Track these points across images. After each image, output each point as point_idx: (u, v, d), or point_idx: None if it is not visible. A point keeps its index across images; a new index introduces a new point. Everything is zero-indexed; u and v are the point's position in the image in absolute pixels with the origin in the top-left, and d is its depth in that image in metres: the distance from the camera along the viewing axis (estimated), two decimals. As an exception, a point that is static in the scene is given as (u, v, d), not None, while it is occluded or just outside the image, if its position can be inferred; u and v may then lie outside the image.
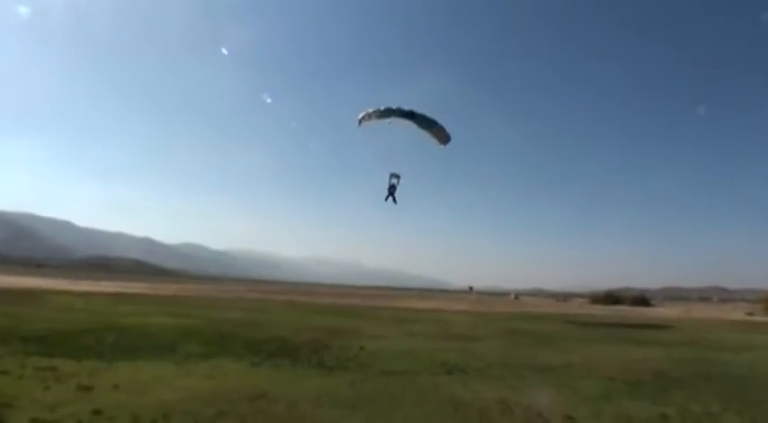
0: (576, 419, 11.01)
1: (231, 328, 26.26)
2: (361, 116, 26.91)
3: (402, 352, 20.19)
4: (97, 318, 27.17)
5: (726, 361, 21.83)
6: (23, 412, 9.46)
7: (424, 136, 26.94)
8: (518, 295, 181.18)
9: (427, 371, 16.03)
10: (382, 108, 26.26)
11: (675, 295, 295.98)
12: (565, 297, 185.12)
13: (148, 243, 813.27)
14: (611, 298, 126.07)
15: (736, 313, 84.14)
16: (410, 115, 26.01)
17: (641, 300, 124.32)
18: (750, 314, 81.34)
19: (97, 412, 9.65)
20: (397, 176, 25.90)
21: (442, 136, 27.56)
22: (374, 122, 26.60)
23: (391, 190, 25.89)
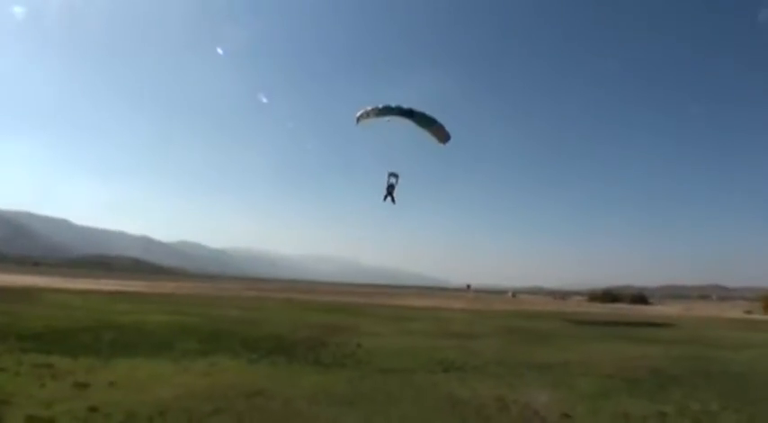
0: (574, 417, 10.98)
1: (228, 325, 26.22)
2: (359, 114, 26.82)
3: (400, 350, 20.17)
4: (94, 315, 27.12)
5: (725, 359, 21.82)
6: (19, 409, 9.42)
7: (424, 134, 26.88)
8: (516, 293, 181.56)
9: (425, 369, 16.00)
10: (381, 106, 26.17)
11: (675, 293, 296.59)
12: (563, 295, 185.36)
13: (146, 241, 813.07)
14: (610, 296, 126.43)
15: (735, 311, 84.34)
16: (409, 114, 25.93)
17: (640, 298, 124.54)
18: (749, 312, 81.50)
19: (93, 409, 9.61)
20: (396, 176, 25.85)
21: (442, 134, 27.48)
22: (373, 121, 26.52)
23: (390, 189, 25.83)
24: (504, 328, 33.14)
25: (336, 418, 10.18)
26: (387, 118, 25.92)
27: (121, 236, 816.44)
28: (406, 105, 26.36)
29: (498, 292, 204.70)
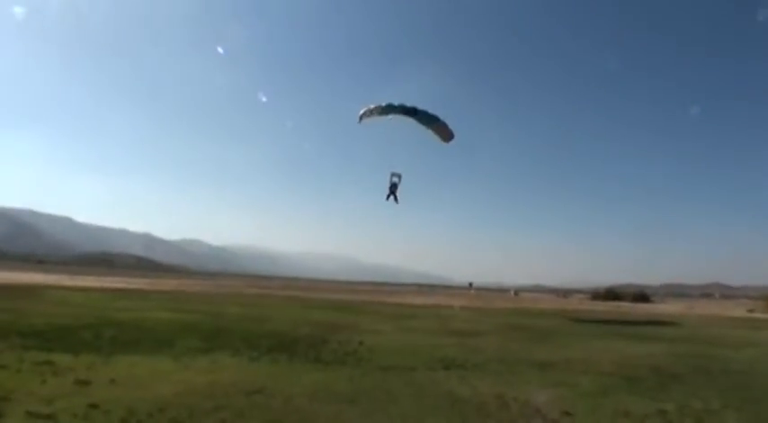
0: (574, 415, 10.97)
1: (229, 323, 26.25)
2: (362, 112, 26.74)
3: (400, 347, 20.17)
4: (95, 313, 27.18)
5: (726, 357, 21.75)
6: (20, 405, 9.44)
7: (427, 133, 26.77)
8: (518, 291, 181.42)
9: (425, 366, 15.99)
10: (384, 104, 26.09)
11: (677, 292, 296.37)
12: (565, 293, 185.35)
13: (148, 239, 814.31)
14: (612, 294, 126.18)
15: (738, 310, 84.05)
16: (412, 112, 25.84)
17: (641, 296, 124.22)
18: (751, 311, 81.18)
19: (93, 406, 9.62)
20: (398, 176, 25.82)
21: (445, 133, 27.35)
22: (375, 119, 26.45)
23: (392, 188, 25.82)
24: (505, 326, 33.11)
25: (336, 415, 10.18)
26: (390, 116, 25.85)
27: (124, 233, 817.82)
28: (408, 104, 26.28)
29: (500, 291, 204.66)
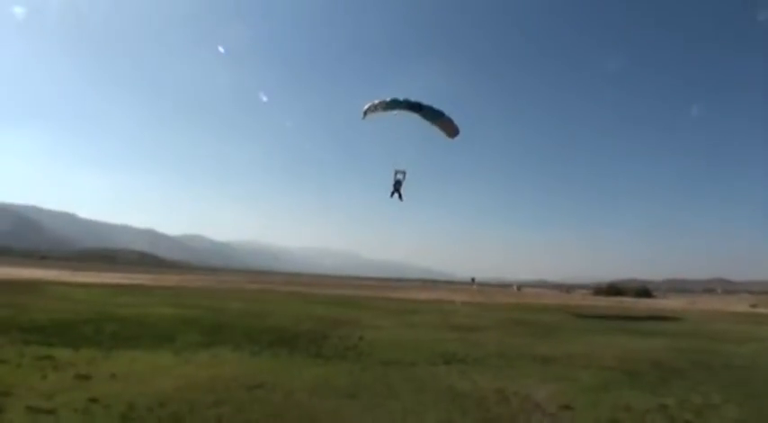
0: (574, 409, 10.95)
1: (231, 318, 26.29)
2: (366, 108, 26.48)
3: (401, 342, 20.18)
4: (97, 308, 27.24)
5: (727, 352, 21.72)
6: (20, 400, 9.47)
7: (432, 129, 26.49)
8: (521, 286, 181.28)
9: (426, 361, 15.99)
10: (388, 100, 25.82)
11: (679, 287, 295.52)
12: (568, 289, 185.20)
13: (151, 235, 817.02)
14: (614, 289, 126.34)
15: (740, 305, 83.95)
16: (417, 107, 25.55)
17: (644, 291, 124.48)
18: (754, 306, 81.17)
19: (93, 400, 9.64)
20: (403, 173, 25.61)
21: (450, 129, 27.05)
22: (380, 115, 26.20)
23: (397, 186, 25.64)
24: (506, 321, 33.10)
25: (336, 409, 10.18)
26: (394, 112, 25.62)
27: (126, 229, 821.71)
28: (413, 99, 25.98)
29: (503, 286, 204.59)
